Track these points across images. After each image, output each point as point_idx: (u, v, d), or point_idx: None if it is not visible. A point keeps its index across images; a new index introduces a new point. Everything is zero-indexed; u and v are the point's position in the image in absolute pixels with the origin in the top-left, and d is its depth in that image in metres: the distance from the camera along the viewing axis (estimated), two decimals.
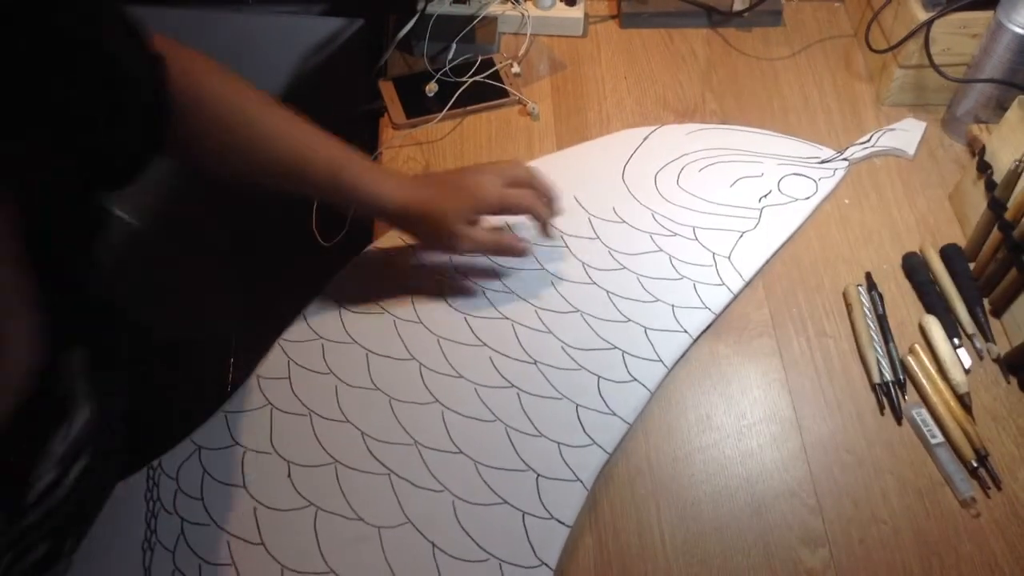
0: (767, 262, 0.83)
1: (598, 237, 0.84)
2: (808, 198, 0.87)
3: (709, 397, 0.75)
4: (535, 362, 0.74)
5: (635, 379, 0.74)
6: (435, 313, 0.78)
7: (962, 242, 0.84)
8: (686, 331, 0.77)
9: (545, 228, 0.78)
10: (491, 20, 1.01)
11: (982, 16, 0.87)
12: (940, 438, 0.72)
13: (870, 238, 0.86)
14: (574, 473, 0.68)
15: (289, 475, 0.68)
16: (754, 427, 0.74)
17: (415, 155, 0.93)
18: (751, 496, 0.70)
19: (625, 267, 0.81)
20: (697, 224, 0.85)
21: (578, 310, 0.78)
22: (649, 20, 1.06)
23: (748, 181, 0.88)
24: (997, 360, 0.76)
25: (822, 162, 0.91)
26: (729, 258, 0.82)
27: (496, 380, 0.73)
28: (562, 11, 1.04)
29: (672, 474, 0.71)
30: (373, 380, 0.73)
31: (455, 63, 0.98)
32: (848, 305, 0.80)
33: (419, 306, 0.78)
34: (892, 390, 0.75)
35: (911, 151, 0.91)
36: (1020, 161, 0.75)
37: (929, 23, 0.89)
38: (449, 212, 0.72)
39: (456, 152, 0.93)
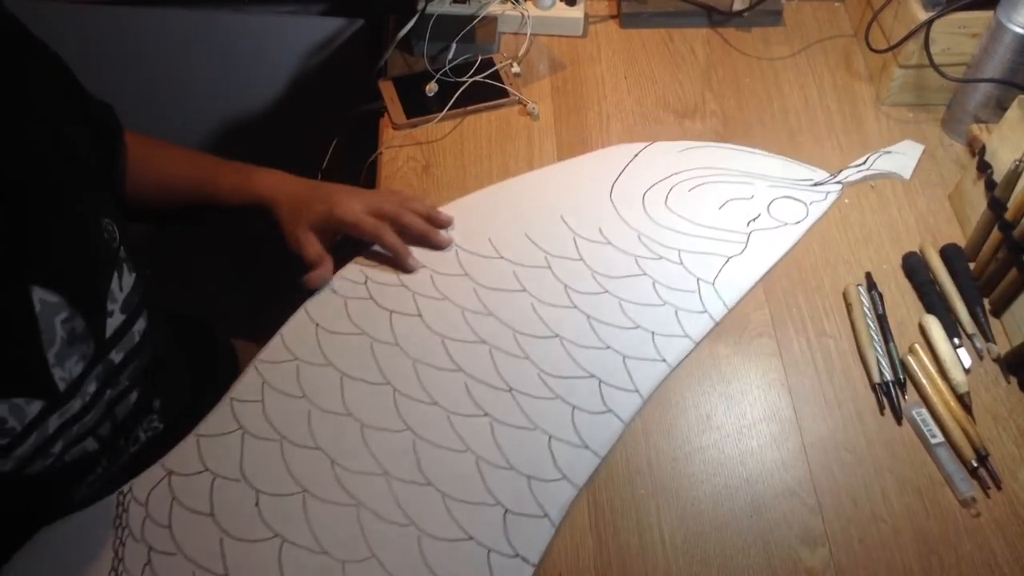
0: (751, 289, 0.81)
1: (582, 259, 0.82)
2: (798, 223, 0.86)
3: (709, 397, 0.75)
4: (510, 390, 0.73)
5: (610, 410, 0.72)
6: (412, 334, 0.76)
7: (962, 242, 0.84)
8: (665, 360, 0.75)
9: (402, 263, 0.79)
10: (491, 20, 1.01)
11: (982, 16, 0.87)
12: (940, 438, 0.72)
13: (870, 238, 0.86)
14: (542, 508, 0.67)
15: (257, 504, 0.66)
16: (754, 427, 0.74)
17: (415, 155, 0.93)
18: (751, 496, 0.70)
19: (607, 291, 0.79)
20: (683, 247, 0.83)
21: (557, 335, 0.76)
22: (649, 20, 1.06)
23: (738, 203, 0.87)
24: (997, 360, 0.76)
25: (815, 184, 0.89)
26: (713, 284, 0.80)
27: (470, 408, 0.72)
28: (562, 11, 1.04)
29: (672, 474, 0.71)
30: (346, 405, 0.72)
31: (455, 63, 0.98)
32: (848, 305, 0.80)
33: (396, 326, 0.76)
34: (892, 390, 0.75)
35: (907, 175, 0.89)
36: (1020, 161, 0.75)
37: (929, 23, 0.89)
38: (298, 216, 0.79)
39: (456, 152, 0.93)
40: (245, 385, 0.73)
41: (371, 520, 0.66)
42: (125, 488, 0.67)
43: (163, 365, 0.76)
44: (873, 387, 0.75)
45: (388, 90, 0.97)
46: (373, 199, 0.81)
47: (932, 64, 0.90)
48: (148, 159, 0.81)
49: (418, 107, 0.95)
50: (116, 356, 0.69)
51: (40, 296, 0.60)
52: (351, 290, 0.79)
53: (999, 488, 0.70)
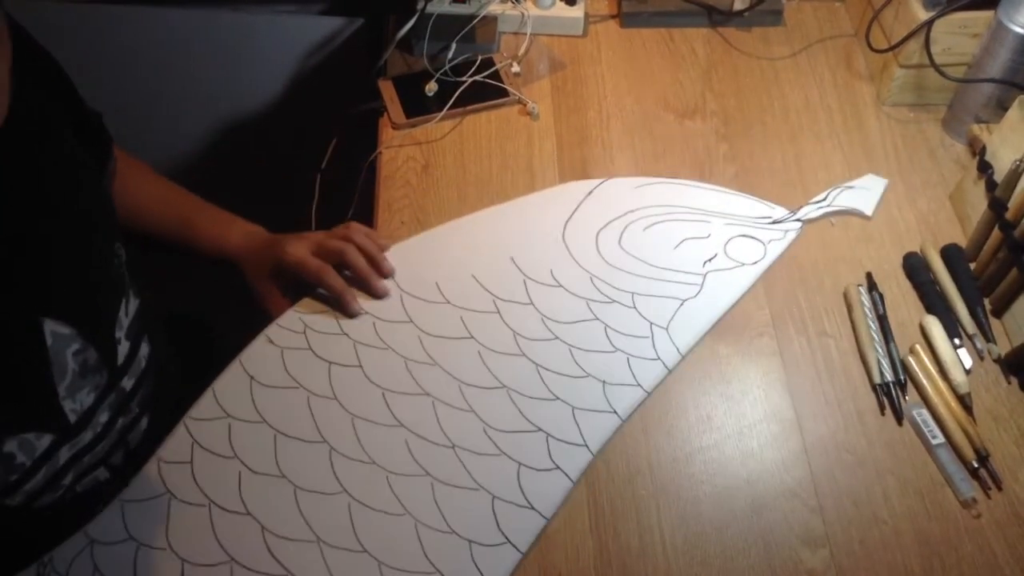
0: (706, 333, 0.78)
1: (532, 303, 0.78)
2: (755, 263, 0.82)
3: (709, 397, 0.75)
4: (453, 447, 0.69)
5: (557, 467, 0.69)
6: (351, 387, 0.72)
7: (963, 242, 0.83)
8: (615, 411, 0.72)
9: (344, 307, 0.77)
10: (491, 19, 1.01)
11: (983, 16, 0.87)
12: (941, 438, 0.72)
13: (871, 238, 0.86)
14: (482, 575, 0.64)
15: (182, 575, 0.63)
16: (754, 427, 0.74)
17: (415, 155, 0.93)
18: (752, 496, 0.70)
19: (557, 337, 0.76)
20: (637, 290, 0.80)
21: (504, 386, 0.73)
22: (649, 20, 1.06)
23: (694, 243, 0.84)
24: (998, 360, 0.76)
25: (773, 222, 0.86)
26: (667, 329, 0.77)
27: (410, 467, 0.68)
28: (562, 10, 1.04)
29: (672, 474, 0.71)
30: (279, 466, 0.68)
31: (455, 62, 0.98)
32: (849, 305, 0.80)
33: (335, 379, 0.73)
34: (893, 390, 0.74)
35: (869, 211, 0.86)
36: (1021, 161, 0.75)
37: (930, 23, 0.89)
38: (257, 269, 0.79)
39: (456, 151, 0.93)
40: (174, 445, 0.69)
41: None
42: (45, 558, 0.64)
43: (166, 388, 0.75)
44: (874, 387, 0.75)
45: (388, 90, 0.96)
46: (321, 239, 0.79)
47: (933, 64, 0.90)
48: (129, 184, 0.79)
49: (418, 107, 0.95)
50: (127, 383, 0.69)
51: (52, 328, 0.60)
52: (288, 340, 0.75)
53: (1000, 489, 0.69)
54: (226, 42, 1.18)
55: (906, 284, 0.82)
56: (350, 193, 0.93)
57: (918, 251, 0.84)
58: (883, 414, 0.74)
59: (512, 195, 0.89)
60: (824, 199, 0.87)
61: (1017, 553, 0.67)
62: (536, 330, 0.77)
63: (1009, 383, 0.75)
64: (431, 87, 0.96)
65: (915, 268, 0.82)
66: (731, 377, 0.77)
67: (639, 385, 0.74)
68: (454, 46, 0.99)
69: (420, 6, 0.97)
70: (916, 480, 0.70)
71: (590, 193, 0.88)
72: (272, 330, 0.76)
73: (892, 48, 0.94)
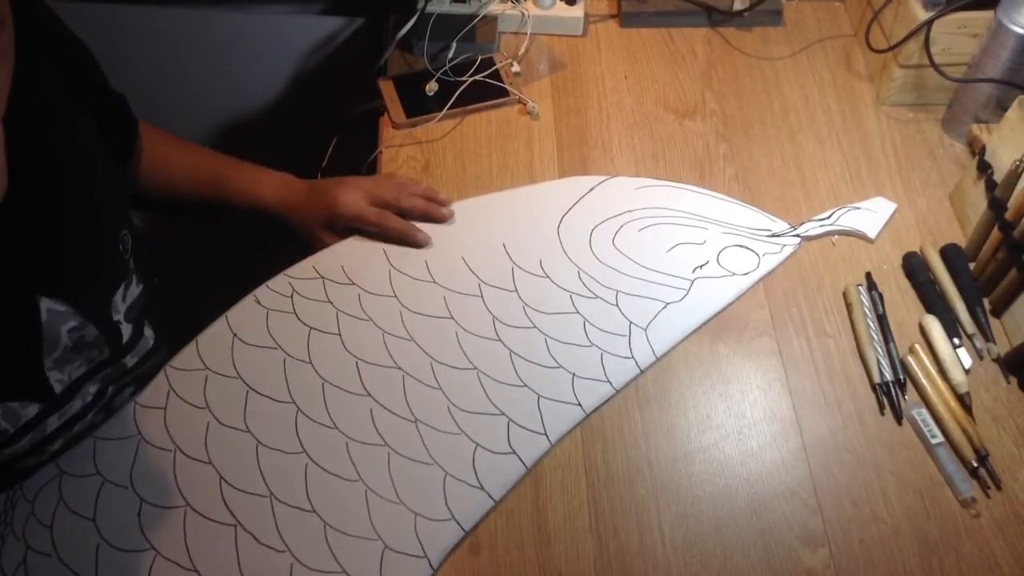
0: (684, 339, 0.78)
1: (516, 290, 0.79)
2: (746, 273, 0.82)
3: (709, 397, 0.75)
4: (416, 421, 0.71)
5: (513, 451, 0.70)
6: (327, 354, 0.74)
7: (962, 242, 0.84)
8: (580, 405, 0.73)
9: (413, 240, 0.81)
10: (491, 19, 1.01)
11: (982, 16, 0.87)
12: (940, 438, 0.72)
13: None
14: (423, 549, 0.65)
15: (139, 513, 0.66)
16: (754, 427, 0.74)
17: (415, 154, 0.93)
18: (751, 496, 0.70)
19: (535, 326, 0.77)
20: (622, 288, 0.80)
21: (475, 367, 0.74)
22: (649, 19, 1.06)
23: (687, 248, 0.83)
24: (997, 360, 0.76)
25: (772, 235, 0.84)
26: (646, 330, 0.77)
27: (370, 436, 0.70)
28: (562, 10, 1.04)
29: (672, 474, 0.71)
30: (246, 421, 0.70)
31: (455, 62, 0.98)
32: (848, 305, 0.80)
33: (313, 344, 0.75)
34: (892, 390, 0.75)
35: (872, 235, 0.84)
36: (1020, 161, 0.75)
37: (929, 23, 0.89)
38: (307, 220, 0.83)
39: (456, 151, 0.93)
40: (151, 391, 0.72)
41: (248, 543, 0.65)
42: (17, 486, 0.66)
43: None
44: (873, 387, 0.75)
45: (388, 89, 0.97)
46: (372, 187, 0.83)
47: (932, 64, 0.90)
48: (159, 154, 0.82)
49: (418, 106, 0.95)
50: (130, 360, 0.71)
51: (48, 306, 0.61)
52: (276, 303, 0.77)
53: (999, 488, 0.70)
54: (226, 42, 1.18)
55: (905, 284, 0.82)
56: None
57: (918, 251, 0.84)
58: (882, 414, 0.74)
59: None
60: (828, 217, 0.86)
61: (1016, 552, 0.67)
62: (516, 317, 0.77)
63: (1008, 383, 0.75)
64: (431, 87, 0.96)
65: (914, 268, 0.82)
66: (731, 377, 0.77)
67: (608, 381, 0.74)
68: (454, 46, 0.99)
69: (420, 6, 0.97)
70: (915, 480, 0.70)
71: (592, 189, 0.88)
72: (261, 291, 0.78)
73: (892, 48, 0.94)
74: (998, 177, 0.79)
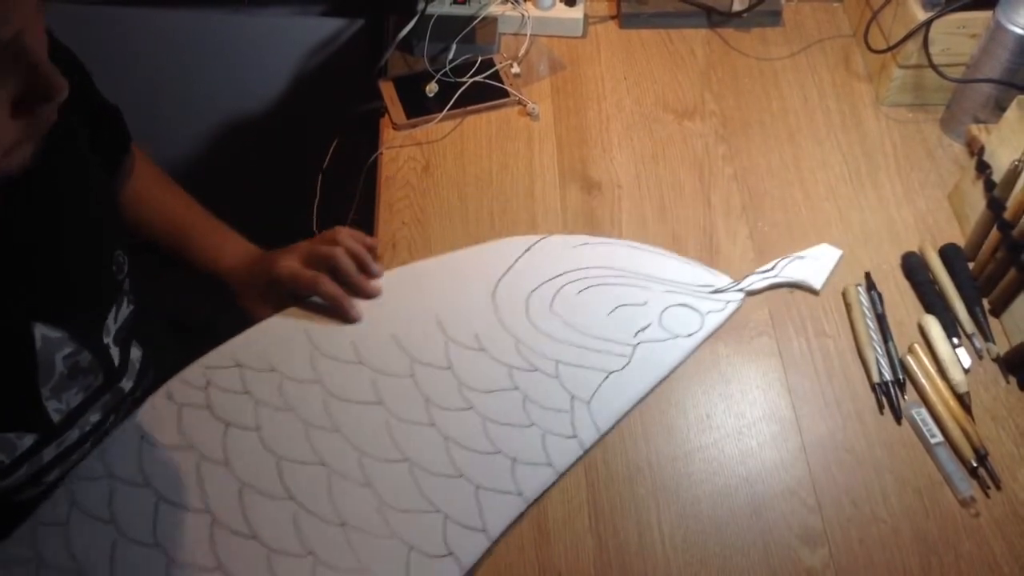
0: (628, 412, 0.74)
1: (451, 367, 0.74)
2: (690, 335, 0.78)
3: (709, 397, 0.76)
4: (343, 524, 0.65)
5: (451, 553, 0.65)
6: (245, 452, 0.68)
7: (961, 242, 0.84)
8: (521, 494, 0.68)
9: (343, 313, 0.75)
10: (491, 21, 1.02)
11: (981, 16, 0.87)
12: (939, 437, 0.72)
13: (869, 238, 0.86)
14: None
15: None
16: (754, 426, 0.74)
17: (415, 155, 0.93)
18: (751, 495, 0.70)
19: (472, 406, 0.72)
20: (562, 359, 0.75)
21: (407, 459, 0.69)
22: (648, 21, 1.06)
23: (629, 309, 0.79)
24: (996, 360, 0.76)
25: (715, 291, 0.81)
26: (588, 404, 0.73)
27: (293, 545, 0.64)
28: (562, 12, 1.04)
29: (672, 473, 0.71)
30: (156, 535, 0.64)
31: (455, 63, 0.98)
32: (847, 305, 0.81)
33: (230, 442, 0.68)
34: (891, 390, 0.75)
35: (818, 285, 0.81)
36: (1019, 161, 0.75)
37: (928, 23, 0.89)
38: (247, 290, 0.79)
39: (456, 152, 0.93)
40: (51, 504, 0.65)
41: None
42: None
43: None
44: (872, 387, 0.75)
45: (388, 90, 0.97)
46: (309, 247, 0.78)
47: (931, 64, 0.90)
48: (139, 188, 0.80)
49: (418, 107, 0.95)
50: (126, 384, 0.70)
51: (42, 332, 0.60)
52: (188, 396, 0.71)
53: (998, 488, 0.70)
54: (227, 43, 1.18)
55: (905, 284, 0.83)
56: (351, 194, 0.93)
57: (917, 251, 0.84)
58: (882, 413, 0.74)
59: (512, 195, 0.89)
60: (771, 268, 0.83)
61: (1016, 552, 0.67)
62: (451, 398, 0.72)
63: (1008, 382, 0.75)
64: (431, 88, 0.96)
65: (914, 268, 0.82)
66: (730, 377, 0.77)
67: (550, 465, 0.70)
68: (454, 47, 0.99)
69: (420, 7, 0.97)
70: (915, 479, 0.71)
71: (527, 250, 0.83)
72: (173, 384, 0.72)
73: (891, 48, 0.94)
74: (997, 177, 0.79)
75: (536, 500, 0.69)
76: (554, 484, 0.70)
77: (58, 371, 0.62)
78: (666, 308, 0.79)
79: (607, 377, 0.75)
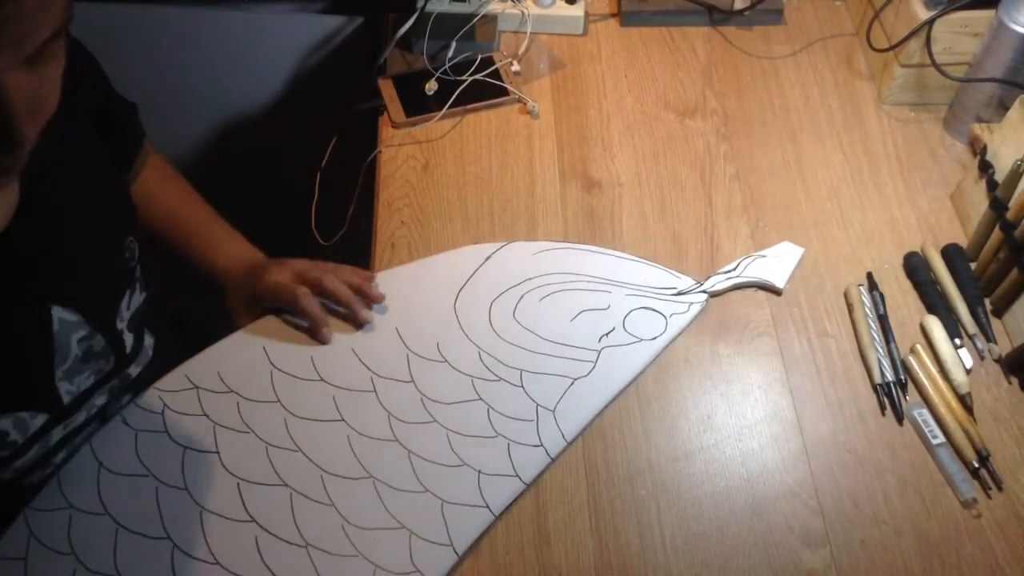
0: (595, 419, 0.73)
1: (413, 380, 0.73)
2: (654, 338, 0.77)
3: (710, 397, 0.75)
4: (307, 546, 0.64)
5: (417, 570, 0.64)
6: (205, 477, 0.67)
7: (963, 242, 0.83)
8: (487, 506, 0.67)
9: (315, 332, 0.74)
10: (491, 18, 1.01)
11: (984, 15, 0.87)
12: (941, 438, 0.71)
13: (871, 238, 0.86)
14: None
15: None
16: (755, 427, 0.74)
17: (415, 153, 0.92)
18: (752, 496, 0.70)
19: (435, 420, 0.71)
20: (526, 367, 0.74)
21: (371, 476, 0.68)
22: (649, 18, 1.05)
23: (591, 315, 0.78)
24: (998, 360, 0.76)
25: (678, 293, 0.80)
26: (554, 412, 0.72)
27: (257, 570, 0.63)
28: (562, 9, 1.04)
29: (673, 474, 0.71)
30: (116, 565, 0.63)
31: (455, 61, 0.97)
32: (849, 305, 0.80)
33: (188, 467, 0.67)
34: (893, 390, 0.74)
35: (781, 283, 0.81)
36: (1022, 161, 0.75)
37: (930, 22, 0.89)
38: (234, 296, 0.78)
39: (456, 150, 0.93)
40: (9, 538, 0.64)
41: None
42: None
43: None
44: (874, 387, 0.75)
45: (388, 88, 0.96)
46: (302, 267, 0.77)
47: (933, 63, 0.90)
48: (150, 184, 0.81)
49: (418, 105, 0.95)
50: (134, 370, 0.71)
51: (60, 315, 0.61)
52: (144, 421, 0.70)
53: (1000, 489, 0.69)
54: (226, 40, 1.18)
55: (907, 284, 0.82)
56: (350, 192, 0.93)
57: (919, 251, 0.83)
58: (883, 414, 0.74)
59: (512, 194, 0.89)
60: (734, 268, 0.82)
61: (1018, 553, 0.67)
62: (413, 412, 0.71)
63: (1010, 383, 0.75)
64: (431, 86, 0.95)
65: (916, 268, 0.82)
66: (732, 377, 0.76)
67: (517, 475, 0.69)
68: (454, 45, 0.99)
69: (420, 5, 0.97)
70: (916, 480, 0.70)
71: (488, 258, 0.82)
72: (129, 410, 0.70)
73: (893, 47, 0.94)
74: (999, 177, 0.79)
75: (503, 512, 0.68)
76: (521, 494, 0.69)
77: (73, 354, 0.63)
78: (629, 312, 0.79)
79: (572, 383, 0.74)
